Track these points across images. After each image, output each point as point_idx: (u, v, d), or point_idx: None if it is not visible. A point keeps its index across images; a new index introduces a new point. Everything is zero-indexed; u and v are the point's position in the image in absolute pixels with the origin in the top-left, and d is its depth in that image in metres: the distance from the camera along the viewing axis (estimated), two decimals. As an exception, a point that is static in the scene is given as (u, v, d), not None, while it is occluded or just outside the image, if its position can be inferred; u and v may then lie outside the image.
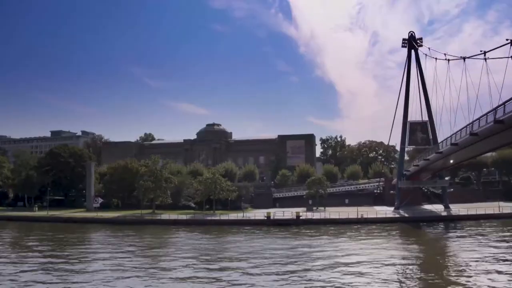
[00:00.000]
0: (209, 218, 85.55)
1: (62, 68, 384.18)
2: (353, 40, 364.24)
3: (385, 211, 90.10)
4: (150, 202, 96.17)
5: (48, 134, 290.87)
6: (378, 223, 78.86)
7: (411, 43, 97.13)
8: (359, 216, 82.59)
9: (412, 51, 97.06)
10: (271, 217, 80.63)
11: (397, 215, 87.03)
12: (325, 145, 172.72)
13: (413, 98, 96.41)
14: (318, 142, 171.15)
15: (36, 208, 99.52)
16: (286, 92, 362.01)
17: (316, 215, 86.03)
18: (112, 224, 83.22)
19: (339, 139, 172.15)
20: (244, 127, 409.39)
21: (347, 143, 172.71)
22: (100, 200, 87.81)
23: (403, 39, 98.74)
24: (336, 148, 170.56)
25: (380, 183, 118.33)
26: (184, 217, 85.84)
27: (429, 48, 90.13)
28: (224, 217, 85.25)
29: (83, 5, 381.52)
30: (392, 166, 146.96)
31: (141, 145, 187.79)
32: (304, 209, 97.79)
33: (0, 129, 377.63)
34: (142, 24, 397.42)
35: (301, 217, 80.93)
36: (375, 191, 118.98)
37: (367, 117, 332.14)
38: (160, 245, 57.03)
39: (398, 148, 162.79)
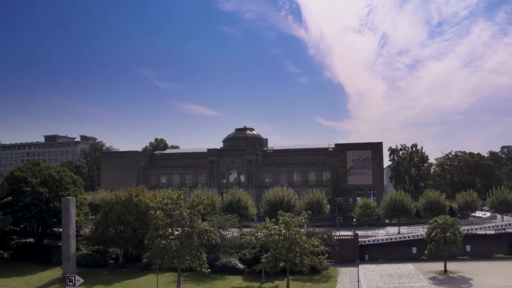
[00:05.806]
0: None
1: (65, 69, 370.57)
2: (362, 42, 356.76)
3: None
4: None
5: (42, 139, 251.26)
6: None
7: None
8: None
9: None
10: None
11: None
12: (395, 157, 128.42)
13: None
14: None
15: (-24, 277, 57.69)
16: (295, 93, 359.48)
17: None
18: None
19: (414, 149, 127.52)
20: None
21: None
22: (80, 281, 44.39)
23: None
24: (410, 162, 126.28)
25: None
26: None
27: None
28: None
29: (91, 5, 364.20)
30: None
31: (151, 156, 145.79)
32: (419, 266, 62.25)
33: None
34: (151, 25, 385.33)
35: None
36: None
37: (376, 118, 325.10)
38: None
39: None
